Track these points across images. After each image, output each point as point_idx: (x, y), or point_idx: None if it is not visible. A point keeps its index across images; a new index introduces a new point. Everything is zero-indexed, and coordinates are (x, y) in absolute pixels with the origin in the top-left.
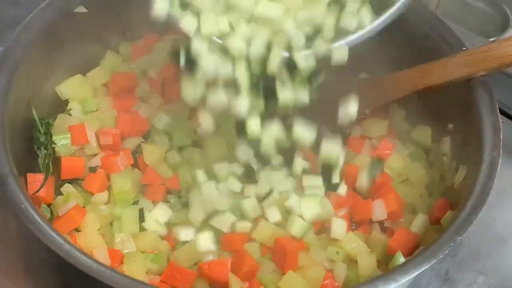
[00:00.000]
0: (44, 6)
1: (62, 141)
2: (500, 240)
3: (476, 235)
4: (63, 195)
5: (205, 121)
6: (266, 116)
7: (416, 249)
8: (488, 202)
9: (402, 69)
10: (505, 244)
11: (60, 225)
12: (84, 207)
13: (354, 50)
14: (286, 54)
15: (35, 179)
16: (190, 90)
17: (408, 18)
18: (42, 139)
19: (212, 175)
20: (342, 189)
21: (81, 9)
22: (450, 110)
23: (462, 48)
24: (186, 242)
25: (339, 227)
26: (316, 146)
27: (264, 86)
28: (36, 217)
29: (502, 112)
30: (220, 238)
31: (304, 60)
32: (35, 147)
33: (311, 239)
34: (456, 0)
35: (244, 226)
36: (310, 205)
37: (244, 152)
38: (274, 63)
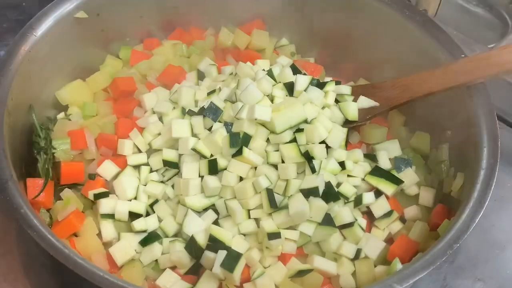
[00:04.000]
0: (45, 11)
1: (61, 146)
2: (498, 247)
3: (474, 242)
4: (62, 200)
5: None
6: None
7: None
8: (486, 209)
9: (401, 75)
10: (503, 250)
11: (59, 230)
12: (83, 212)
13: (353, 56)
14: None
15: (34, 184)
16: None
17: (407, 25)
18: (42, 144)
19: None
20: None
21: (82, 14)
22: (449, 117)
23: (461, 55)
24: None
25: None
26: None
27: None
28: (35, 221)
29: (501, 119)
30: None
31: None
32: (35, 152)
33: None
34: (456, 6)
35: None
36: None
37: None
38: None
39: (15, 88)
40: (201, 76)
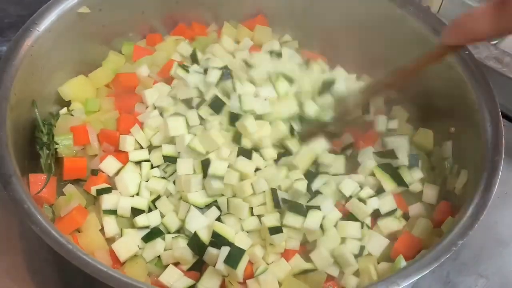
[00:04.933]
0: (48, 6)
1: (64, 142)
2: (501, 244)
3: (477, 238)
4: (65, 195)
5: None
6: None
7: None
8: (489, 205)
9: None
10: (506, 247)
11: (62, 226)
12: (86, 208)
13: (357, 53)
14: None
15: (37, 180)
16: None
17: (411, 21)
18: (44, 139)
19: None
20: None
21: (85, 9)
22: (453, 114)
23: (465, 51)
24: None
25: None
26: None
27: None
28: (39, 217)
29: (505, 116)
30: None
31: None
32: (38, 147)
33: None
34: (459, 3)
35: None
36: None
37: None
38: None
39: (18, 83)
40: None
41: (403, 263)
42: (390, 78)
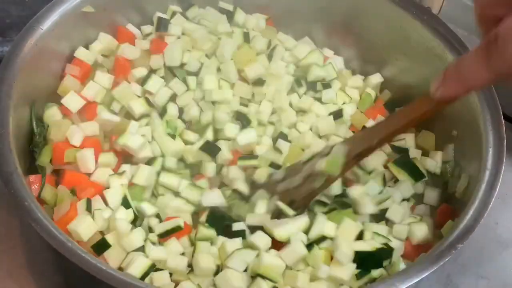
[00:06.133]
0: (52, 4)
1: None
2: (502, 245)
3: (477, 239)
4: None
5: None
6: None
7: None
8: (489, 208)
9: (408, 73)
10: (507, 248)
11: (60, 226)
12: None
13: (362, 54)
14: None
15: (36, 180)
16: None
17: (412, 22)
18: (37, 140)
19: None
20: None
21: (89, 8)
22: (455, 117)
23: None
24: None
25: None
26: None
27: None
28: (39, 215)
29: (507, 118)
30: None
31: None
32: (32, 147)
33: None
34: (459, 4)
35: None
36: None
37: None
38: None
39: (21, 82)
40: None
41: (402, 265)
42: (379, 137)
